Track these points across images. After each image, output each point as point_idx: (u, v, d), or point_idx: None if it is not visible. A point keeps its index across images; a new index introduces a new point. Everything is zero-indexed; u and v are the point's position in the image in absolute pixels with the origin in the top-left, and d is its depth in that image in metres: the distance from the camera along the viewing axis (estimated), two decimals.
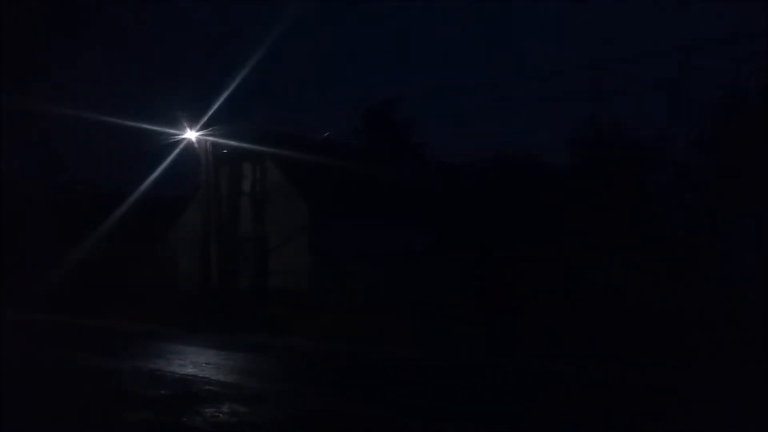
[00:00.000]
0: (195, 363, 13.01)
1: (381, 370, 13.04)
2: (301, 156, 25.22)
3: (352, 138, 39.63)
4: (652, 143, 28.31)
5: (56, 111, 26.33)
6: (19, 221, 29.87)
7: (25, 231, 29.97)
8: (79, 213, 29.13)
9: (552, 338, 14.90)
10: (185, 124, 22.55)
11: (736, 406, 9.36)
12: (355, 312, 19.45)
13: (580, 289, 18.35)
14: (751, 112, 24.09)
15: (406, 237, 23.57)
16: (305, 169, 25.86)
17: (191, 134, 22.80)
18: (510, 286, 19.45)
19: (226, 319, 20.44)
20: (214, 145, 23.29)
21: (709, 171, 25.09)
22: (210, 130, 22.87)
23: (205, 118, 22.47)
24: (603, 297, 17.74)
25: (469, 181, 31.15)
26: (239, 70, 21.56)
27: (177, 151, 23.41)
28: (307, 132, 29.15)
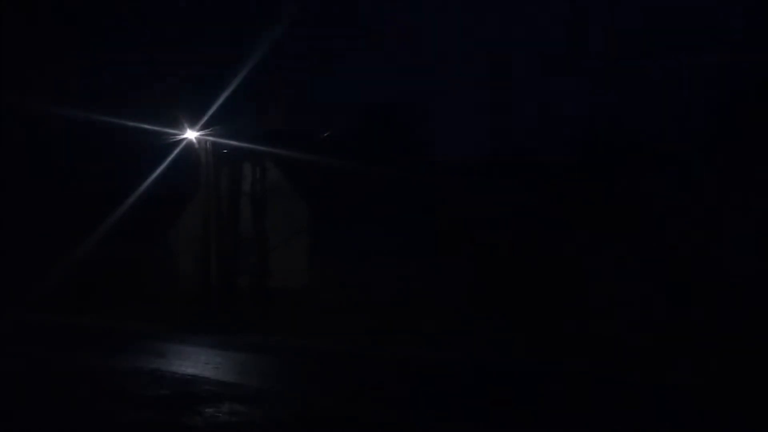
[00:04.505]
0: (195, 363, 13.01)
1: (381, 369, 13.03)
2: (301, 156, 25.21)
3: (353, 138, 39.57)
4: (652, 143, 28.32)
5: (56, 110, 26.31)
6: (18, 221, 29.84)
7: (24, 231, 29.94)
8: (79, 213, 29.09)
9: (553, 338, 14.88)
10: (185, 124, 22.53)
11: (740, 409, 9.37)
12: (355, 311, 19.45)
13: (581, 289, 18.34)
14: (752, 112, 24.09)
15: (406, 236, 23.56)
16: (305, 169, 25.86)
17: (191, 134, 22.78)
18: (510, 285, 19.45)
19: (226, 319, 20.43)
20: (214, 145, 23.27)
21: (709, 171, 25.08)
22: (210, 130, 22.84)
23: (205, 118, 22.44)
24: (603, 296, 17.74)
25: (469, 181, 31.14)
26: (239, 70, 21.53)
27: (177, 151, 23.40)
28: (307, 132, 29.12)
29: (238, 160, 25.50)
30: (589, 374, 11.73)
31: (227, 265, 24.04)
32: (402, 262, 21.40)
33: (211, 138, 23.05)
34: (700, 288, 16.71)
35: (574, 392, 10.50)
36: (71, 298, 25.89)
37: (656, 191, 26.54)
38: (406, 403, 9.59)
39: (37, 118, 28.46)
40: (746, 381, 10.62)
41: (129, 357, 13.72)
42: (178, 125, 22.53)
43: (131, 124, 23.56)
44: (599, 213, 24.63)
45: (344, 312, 19.57)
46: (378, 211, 25.89)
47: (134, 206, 26.33)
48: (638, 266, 18.05)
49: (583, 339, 14.31)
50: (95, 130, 26.59)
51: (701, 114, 26.03)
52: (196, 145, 23.12)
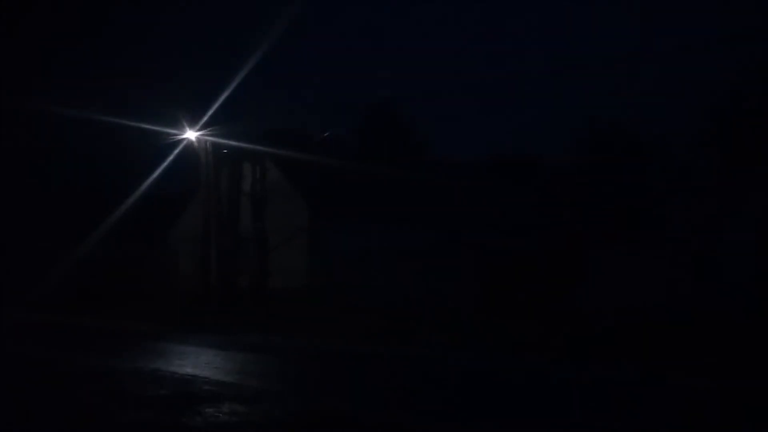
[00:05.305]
0: (195, 363, 13.00)
1: (381, 369, 13.03)
2: (301, 156, 25.24)
3: (353, 138, 39.63)
4: (654, 144, 28.36)
5: (56, 110, 26.32)
6: (18, 221, 29.86)
7: (25, 231, 29.96)
8: (79, 213, 29.11)
9: (556, 338, 14.87)
10: (185, 124, 22.53)
11: (739, 400, 9.38)
12: (354, 311, 19.45)
13: (584, 288, 18.33)
14: (752, 112, 24.12)
15: (406, 236, 23.57)
16: (305, 169, 25.87)
17: (191, 134, 22.79)
18: (512, 285, 19.45)
19: (226, 319, 20.44)
20: (214, 145, 23.28)
21: (710, 171, 25.12)
22: (210, 130, 22.85)
23: (205, 118, 22.46)
24: (606, 295, 17.73)
25: (469, 180, 31.17)
26: (239, 70, 21.54)
27: (177, 151, 23.41)
28: (307, 132, 29.18)
29: (238, 160, 25.51)
30: (592, 374, 11.73)
31: (227, 265, 24.05)
32: (402, 262, 21.40)
33: (211, 138, 23.05)
34: (701, 287, 16.72)
35: (578, 392, 10.50)
36: (71, 298, 25.89)
37: (656, 191, 26.55)
38: (406, 403, 9.59)
39: (37, 119, 28.47)
40: (746, 380, 10.62)
41: (129, 357, 13.72)
42: (178, 125, 22.54)
43: (132, 124, 23.59)
44: (600, 212, 24.63)
45: (344, 312, 19.56)
46: (378, 211, 25.90)
47: (135, 206, 26.37)
48: (640, 266, 18.06)
49: (587, 339, 14.31)
50: (96, 130, 26.62)
51: (701, 114, 26.05)
52: (196, 145, 23.13)
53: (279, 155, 25.34)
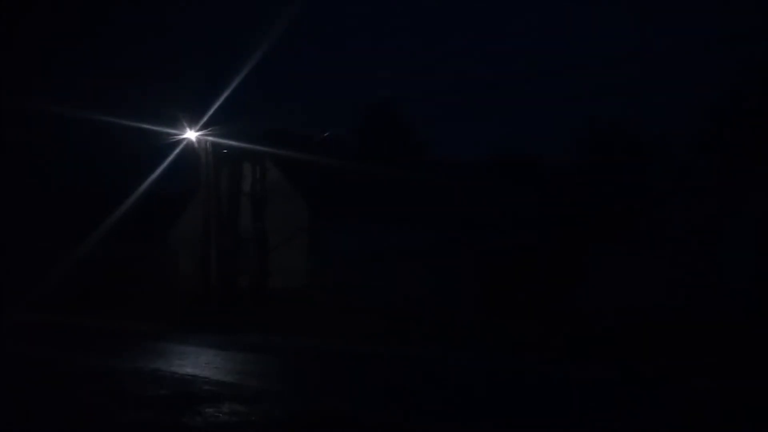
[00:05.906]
0: (195, 363, 13.00)
1: (381, 369, 13.03)
2: (301, 156, 25.22)
3: (353, 137, 39.60)
4: (654, 144, 28.38)
5: (56, 110, 26.32)
6: (18, 221, 29.86)
7: (25, 231, 29.96)
8: (79, 213, 29.11)
9: (555, 339, 14.86)
10: (185, 124, 22.53)
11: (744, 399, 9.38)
12: (354, 312, 19.44)
13: (583, 289, 18.32)
14: (752, 112, 24.12)
15: (406, 236, 23.56)
16: (305, 169, 25.86)
17: (191, 134, 22.79)
18: (511, 286, 19.44)
19: (226, 319, 20.44)
20: (214, 145, 23.28)
21: (710, 171, 25.13)
22: (210, 130, 22.86)
23: (205, 118, 22.46)
24: (603, 297, 17.73)
25: (470, 180, 31.14)
26: (239, 69, 21.54)
27: (177, 151, 23.41)
28: (307, 132, 29.16)
29: (238, 160, 25.51)
30: (592, 374, 11.73)
31: (227, 265, 24.06)
32: (402, 262, 21.40)
33: (211, 138, 23.06)
34: (701, 287, 16.71)
35: (577, 392, 10.50)
36: (71, 298, 25.89)
37: (656, 191, 26.54)
38: (406, 403, 9.59)
39: (37, 119, 28.45)
40: (746, 380, 10.62)
41: (129, 357, 13.72)
42: (178, 125, 22.54)
43: (132, 124, 23.60)
44: (600, 212, 24.62)
45: (344, 312, 19.57)
46: (378, 211, 25.89)
47: (135, 206, 26.35)
48: (640, 266, 18.05)
49: (587, 339, 14.32)
50: (96, 130, 26.60)
51: (701, 114, 26.08)
52: (196, 145, 23.12)
53: (279, 155, 25.33)
